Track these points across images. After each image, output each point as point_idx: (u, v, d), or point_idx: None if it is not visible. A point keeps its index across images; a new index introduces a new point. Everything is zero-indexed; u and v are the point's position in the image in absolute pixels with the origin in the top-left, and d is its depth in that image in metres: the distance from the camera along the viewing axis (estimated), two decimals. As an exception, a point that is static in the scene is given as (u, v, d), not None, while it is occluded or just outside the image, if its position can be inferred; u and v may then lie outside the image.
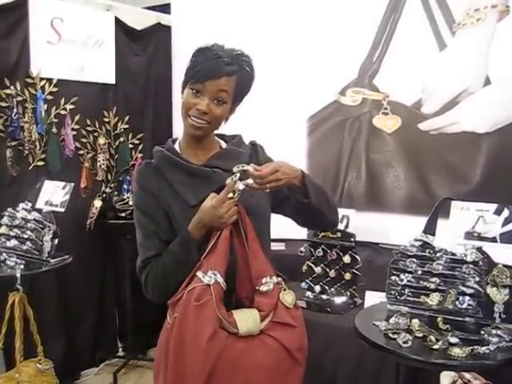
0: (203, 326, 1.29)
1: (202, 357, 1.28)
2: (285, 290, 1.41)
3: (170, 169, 1.50)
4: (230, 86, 1.45)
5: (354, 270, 2.54)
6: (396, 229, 2.73)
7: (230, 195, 1.39)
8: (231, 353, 1.31)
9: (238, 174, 1.37)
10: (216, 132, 1.58)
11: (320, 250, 2.61)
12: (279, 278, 1.43)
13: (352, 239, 2.55)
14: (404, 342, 1.48)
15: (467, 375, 1.85)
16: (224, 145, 1.60)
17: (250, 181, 1.39)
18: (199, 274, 1.36)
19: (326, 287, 2.61)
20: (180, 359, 1.31)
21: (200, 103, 1.43)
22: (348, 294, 2.56)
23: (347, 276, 2.56)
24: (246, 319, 1.34)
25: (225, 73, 1.43)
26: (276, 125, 2.88)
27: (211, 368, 1.28)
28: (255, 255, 1.41)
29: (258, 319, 1.35)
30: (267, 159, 1.61)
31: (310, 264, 2.65)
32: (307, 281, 2.66)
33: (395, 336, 1.52)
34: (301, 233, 2.69)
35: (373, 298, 2.30)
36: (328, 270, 2.61)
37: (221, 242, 1.39)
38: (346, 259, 2.55)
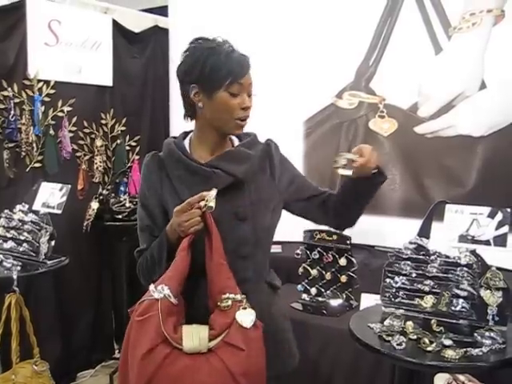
0: (141, 342, 1.28)
1: (136, 372, 1.28)
2: (244, 308, 1.35)
3: (172, 164, 1.49)
4: (251, 77, 1.47)
5: (350, 273, 2.55)
6: (392, 232, 2.74)
7: (203, 203, 1.34)
8: (172, 369, 1.28)
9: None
10: None
11: (316, 252, 2.62)
12: (242, 296, 1.37)
13: (348, 242, 2.57)
14: (398, 344, 1.49)
15: (461, 377, 1.86)
16: (236, 143, 1.57)
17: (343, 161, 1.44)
18: (151, 287, 1.34)
19: (322, 289, 2.62)
20: (122, 372, 1.34)
21: (243, 101, 1.43)
22: (344, 296, 2.57)
23: (343, 278, 2.57)
24: (193, 336, 1.30)
25: (249, 64, 1.44)
26: (273, 127, 2.86)
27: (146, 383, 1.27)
28: (219, 269, 1.37)
29: (206, 338, 1.31)
30: (281, 158, 1.61)
31: (306, 266, 2.66)
32: (303, 283, 2.67)
33: (389, 338, 1.53)
34: (297, 235, 2.71)
35: (368, 300, 2.31)
36: (324, 272, 2.62)
37: (178, 253, 1.36)
38: (342, 262, 2.56)
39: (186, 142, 1.55)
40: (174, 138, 1.59)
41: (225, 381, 1.29)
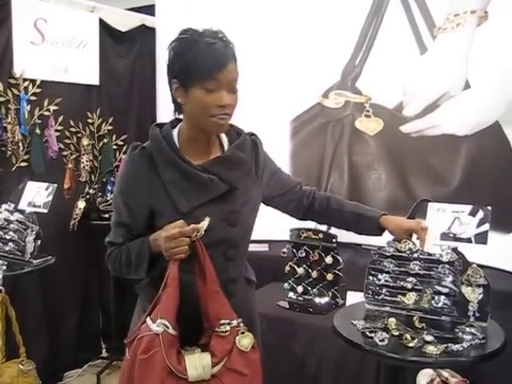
0: (148, 380, 1.30)
1: None
2: (243, 332, 1.38)
3: (165, 165, 1.40)
4: (236, 70, 1.38)
5: (336, 271, 2.57)
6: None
7: (194, 234, 1.34)
8: None
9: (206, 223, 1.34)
10: None
11: (302, 250, 2.63)
12: (239, 320, 1.39)
13: (334, 240, 2.58)
14: (380, 341, 1.50)
15: (445, 373, 1.89)
16: (225, 140, 1.51)
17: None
18: (148, 321, 1.34)
19: (309, 288, 2.64)
20: None
21: (220, 98, 1.34)
22: (330, 294, 2.59)
23: (329, 277, 2.58)
24: (197, 365, 1.32)
25: (229, 57, 1.35)
26: (259, 127, 2.87)
27: None
28: (214, 297, 1.38)
29: (209, 365, 1.33)
30: (265, 155, 1.60)
31: (293, 265, 2.67)
32: (290, 281, 2.68)
33: (372, 334, 1.54)
34: (283, 234, 2.72)
35: (354, 298, 2.34)
36: (310, 270, 2.63)
37: (170, 282, 1.35)
38: (328, 260, 2.58)
39: (175, 136, 1.47)
40: (160, 126, 1.50)
41: None
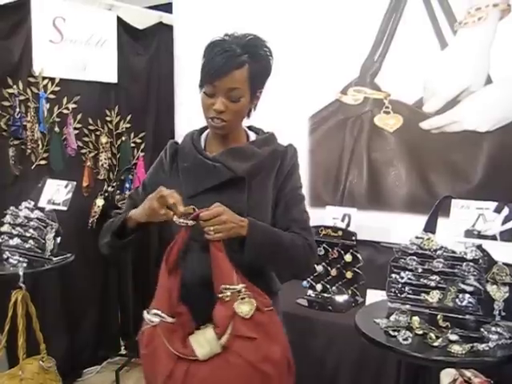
0: (156, 372, 1.30)
1: None
2: (243, 298, 1.30)
3: (183, 155, 1.53)
4: (241, 81, 1.40)
5: (356, 269, 2.55)
6: (397, 227, 2.74)
7: (182, 209, 1.32)
8: (196, 382, 1.29)
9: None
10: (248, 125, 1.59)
11: (321, 248, 2.61)
12: (241, 285, 1.31)
13: (353, 238, 2.56)
14: (404, 339, 1.49)
15: (468, 373, 1.86)
16: (253, 138, 1.56)
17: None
18: (145, 313, 1.34)
19: (328, 286, 2.62)
20: None
21: (215, 103, 1.41)
22: (349, 292, 2.57)
23: (348, 274, 2.57)
24: (203, 343, 1.29)
25: (232, 67, 1.38)
26: (278, 123, 2.85)
27: None
28: (215, 261, 1.33)
29: (214, 337, 1.28)
30: (291, 168, 1.53)
31: (312, 262, 2.65)
32: (309, 279, 2.67)
33: (395, 333, 1.52)
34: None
35: (374, 296, 2.32)
36: (329, 268, 2.62)
37: (161, 274, 1.35)
38: (348, 258, 2.56)
39: (204, 135, 1.58)
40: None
41: (248, 373, 1.28)
